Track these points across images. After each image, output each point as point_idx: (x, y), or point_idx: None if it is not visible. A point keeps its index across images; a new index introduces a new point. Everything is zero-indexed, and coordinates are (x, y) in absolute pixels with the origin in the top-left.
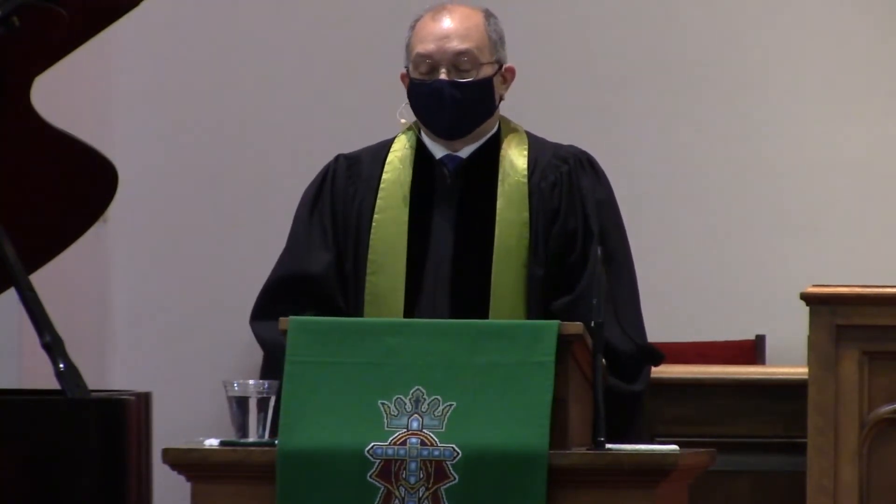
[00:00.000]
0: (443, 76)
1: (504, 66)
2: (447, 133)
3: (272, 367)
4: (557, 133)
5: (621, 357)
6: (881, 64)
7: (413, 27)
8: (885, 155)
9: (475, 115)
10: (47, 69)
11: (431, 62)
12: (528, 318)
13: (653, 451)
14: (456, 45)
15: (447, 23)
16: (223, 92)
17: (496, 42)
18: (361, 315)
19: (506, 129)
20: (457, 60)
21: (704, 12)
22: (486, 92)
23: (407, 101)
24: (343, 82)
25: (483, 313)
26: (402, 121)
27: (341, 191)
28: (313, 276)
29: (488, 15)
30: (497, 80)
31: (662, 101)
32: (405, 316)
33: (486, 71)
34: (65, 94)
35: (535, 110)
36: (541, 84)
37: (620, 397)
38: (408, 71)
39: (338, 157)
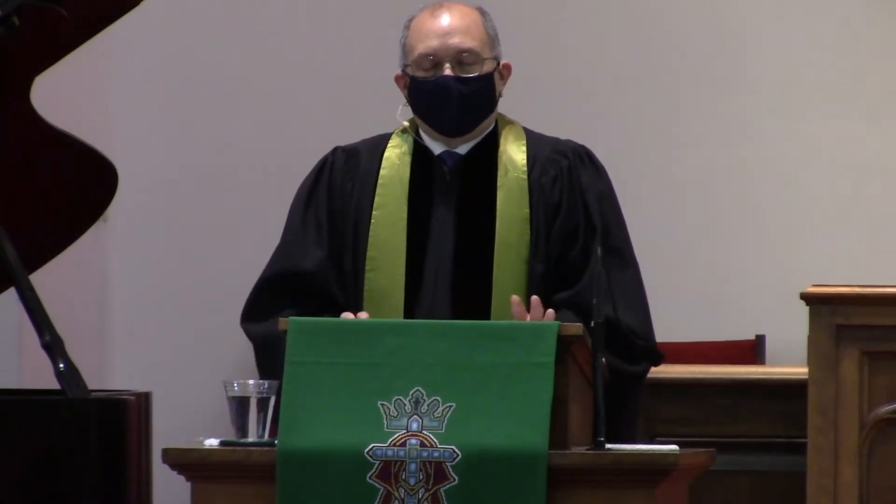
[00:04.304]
0: (447, 72)
1: (501, 63)
2: (452, 129)
3: (267, 361)
4: (554, 130)
5: (624, 332)
6: (881, 64)
7: (409, 26)
8: (885, 155)
9: (479, 111)
10: (47, 69)
11: (435, 59)
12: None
13: (653, 451)
14: (459, 40)
15: (447, 20)
16: (223, 92)
17: (493, 38)
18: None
19: (503, 124)
20: (460, 56)
21: (704, 11)
22: (489, 87)
23: (405, 101)
24: (343, 82)
25: (484, 310)
26: (405, 123)
27: (338, 184)
28: (306, 273)
29: (483, 12)
30: (496, 76)
31: (662, 100)
32: (405, 313)
33: (488, 66)
34: (65, 94)
35: (531, 107)
36: (537, 81)
37: (619, 377)
38: (404, 71)
39: (335, 150)
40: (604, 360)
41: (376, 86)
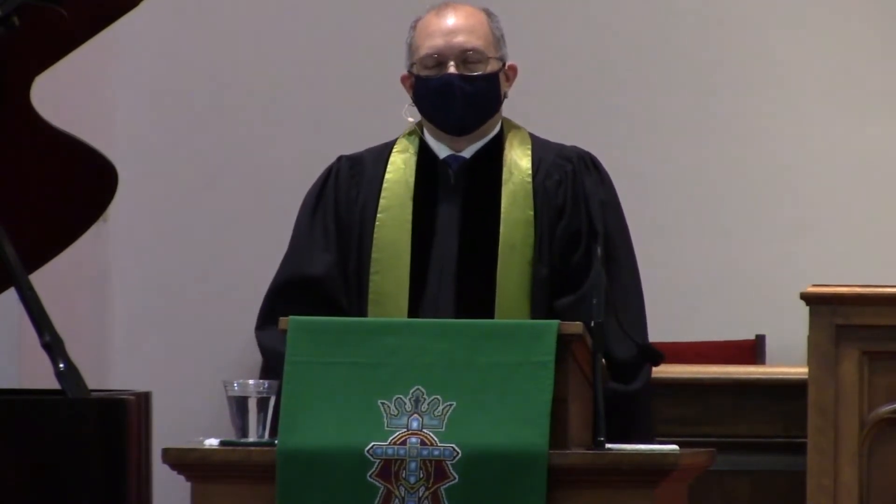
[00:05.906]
0: (451, 70)
1: (507, 64)
2: (457, 127)
3: (271, 377)
4: (557, 132)
5: (620, 361)
6: (882, 64)
7: (415, 27)
8: (885, 155)
9: (484, 109)
10: (47, 69)
11: (439, 57)
12: (533, 317)
13: (653, 451)
14: (464, 39)
15: (452, 19)
16: (223, 92)
17: (499, 39)
18: (365, 315)
19: (508, 129)
20: (465, 55)
21: (707, 12)
22: (493, 86)
23: (411, 100)
24: (344, 83)
25: (488, 312)
26: (410, 119)
27: (344, 192)
28: (315, 278)
29: (489, 13)
30: (501, 77)
31: (663, 102)
32: (410, 315)
33: (493, 66)
34: (65, 94)
35: (535, 110)
36: (542, 84)
37: (618, 398)
38: (410, 71)
39: (340, 158)
40: (606, 385)
41: (380, 88)
